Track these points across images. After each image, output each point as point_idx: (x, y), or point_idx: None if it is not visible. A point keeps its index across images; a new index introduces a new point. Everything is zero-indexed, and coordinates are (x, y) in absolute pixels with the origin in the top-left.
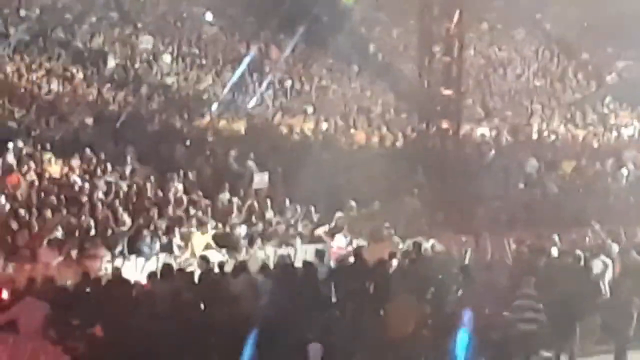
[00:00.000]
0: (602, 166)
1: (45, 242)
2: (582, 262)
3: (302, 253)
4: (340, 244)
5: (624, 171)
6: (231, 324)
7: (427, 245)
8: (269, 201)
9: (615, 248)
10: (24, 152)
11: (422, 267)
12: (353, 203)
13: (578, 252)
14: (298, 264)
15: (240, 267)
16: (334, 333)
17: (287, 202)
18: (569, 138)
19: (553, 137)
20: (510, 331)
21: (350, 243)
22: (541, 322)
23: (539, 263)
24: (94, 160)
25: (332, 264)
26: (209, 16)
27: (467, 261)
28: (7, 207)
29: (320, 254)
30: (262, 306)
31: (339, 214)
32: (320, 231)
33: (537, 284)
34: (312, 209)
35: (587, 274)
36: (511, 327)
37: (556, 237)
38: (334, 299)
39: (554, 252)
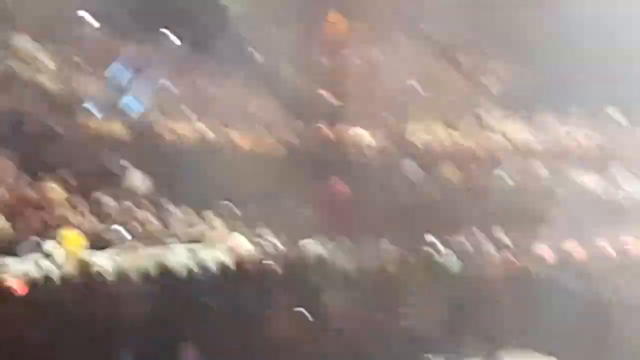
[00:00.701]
0: (481, 170)
1: None
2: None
3: (180, 255)
4: (241, 244)
5: (503, 174)
6: (109, 327)
7: (306, 248)
8: (147, 203)
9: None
10: None
11: (301, 271)
12: (232, 209)
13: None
14: (176, 266)
15: (117, 269)
16: (211, 336)
17: (167, 205)
18: (450, 143)
19: (431, 140)
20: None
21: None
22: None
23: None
24: None
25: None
26: (89, 18)
27: (348, 265)
28: None
29: (197, 256)
30: (139, 309)
31: (216, 217)
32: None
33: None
34: (191, 212)
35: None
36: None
37: (435, 240)
38: (212, 302)
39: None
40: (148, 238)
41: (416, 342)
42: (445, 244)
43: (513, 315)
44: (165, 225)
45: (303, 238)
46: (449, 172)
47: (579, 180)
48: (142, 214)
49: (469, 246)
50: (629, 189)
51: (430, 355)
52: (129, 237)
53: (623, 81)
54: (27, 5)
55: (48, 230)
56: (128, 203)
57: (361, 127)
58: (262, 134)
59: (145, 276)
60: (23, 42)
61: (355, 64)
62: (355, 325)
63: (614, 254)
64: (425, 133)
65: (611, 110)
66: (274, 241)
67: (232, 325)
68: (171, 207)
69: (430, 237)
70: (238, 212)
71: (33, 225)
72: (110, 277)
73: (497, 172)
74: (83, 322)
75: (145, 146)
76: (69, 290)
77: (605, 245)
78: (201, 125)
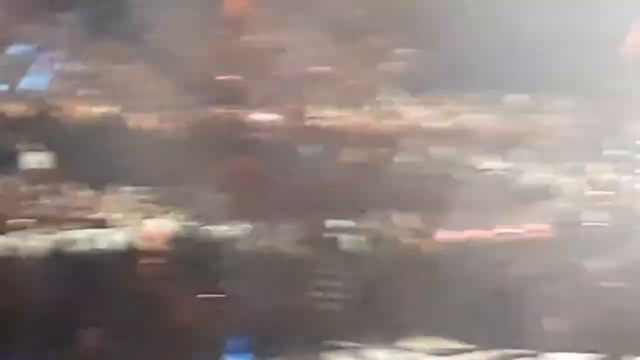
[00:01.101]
0: (386, 155)
1: None
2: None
3: (81, 239)
4: (171, 226)
5: (405, 158)
6: (7, 315)
7: (209, 231)
8: (47, 185)
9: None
10: None
11: (205, 254)
12: (132, 189)
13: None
14: (76, 250)
15: (13, 252)
16: (113, 322)
17: (68, 187)
18: (353, 126)
19: (338, 125)
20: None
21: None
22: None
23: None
24: None
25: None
26: None
27: (251, 249)
28: None
29: (98, 240)
30: (38, 293)
31: (118, 200)
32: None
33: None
34: (92, 194)
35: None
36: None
37: (340, 225)
38: (112, 287)
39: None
40: (47, 220)
41: (320, 327)
42: (347, 227)
43: (416, 301)
44: (65, 206)
45: (206, 221)
46: (350, 154)
47: (480, 164)
48: (41, 195)
49: (370, 229)
50: (530, 174)
51: (333, 342)
52: (28, 219)
53: (527, 66)
54: None
55: None
56: (27, 184)
57: (262, 110)
58: (162, 114)
59: (44, 259)
60: None
61: (256, 46)
62: (259, 310)
63: (514, 237)
64: (327, 116)
65: (510, 93)
66: (176, 224)
67: (134, 310)
68: (70, 189)
69: (331, 221)
70: (140, 194)
71: None
72: (7, 260)
73: (399, 154)
74: None
75: (46, 127)
76: None
77: (506, 229)
78: (102, 106)
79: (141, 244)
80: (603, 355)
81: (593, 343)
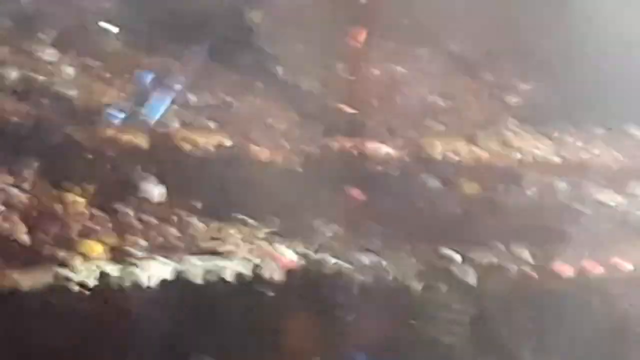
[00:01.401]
0: (504, 188)
1: None
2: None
3: (198, 267)
4: (291, 257)
5: (527, 192)
6: (125, 338)
7: (325, 261)
8: (166, 214)
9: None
10: None
11: (322, 285)
12: (251, 220)
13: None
14: (193, 277)
15: (137, 282)
16: (228, 348)
17: (186, 216)
18: (471, 159)
19: (456, 157)
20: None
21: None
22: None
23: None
24: None
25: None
26: (113, 29)
27: (367, 278)
28: None
29: (215, 268)
30: (158, 322)
31: (234, 229)
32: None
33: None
34: (210, 223)
35: None
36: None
37: (457, 257)
38: (231, 316)
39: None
40: (166, 249)
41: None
42: (464, 257)
43: (531, 332)
44: (184, 236)
45: (322, 251)
46: (469, 186)
47: (598, 196)
48: (160, 224)
49: (487, 260)
50: None
51: None
52: (147, 248)
53: None
54: (49, 15)
55: (67, 240)
56: (147, 214)
57: (381, 140)
58: (282, 146)
59: (163, 287)
60: (44, 50)
61: (377, 78)
62: (374, 339)
63: (632, 270)
64: (446, 147)
65: (630, 127)
66: (292, 253)
67: (249, 337)
68: (189, 218)
69: (447, 250)
70: (256, 224)
71: (52, 235)
72: (128, 289)
73: (517, 187)
74: (100, 332)
75: (165, 156)
76: (86, 300)
77: (623, 262)
78: (221, 136)
79: (263, 275)
80: None
81: None
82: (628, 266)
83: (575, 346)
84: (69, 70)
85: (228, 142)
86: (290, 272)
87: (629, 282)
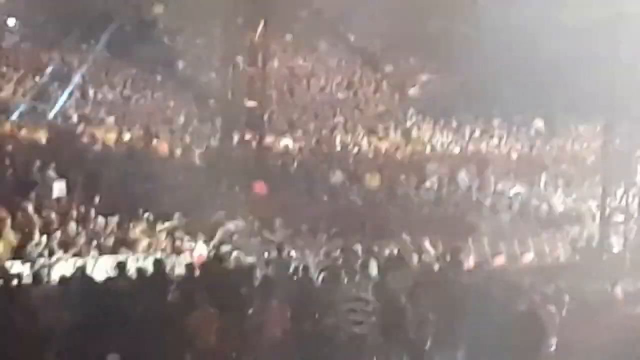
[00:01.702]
0: (405, 179)
1: None
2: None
3: (102, 263)
4: (202, 252)
5: (427, 184)
6: (29, 337)
7: (231, 255)
8: (69, 211)
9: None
10: None
11: (225, 278)
12: (152, 215)
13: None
14: (98, 275)
15: (39, 279)
16: (134, 345)
17: (89, 212)
18: (372, 150)
19: (356, 149)
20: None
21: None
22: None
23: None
24: None
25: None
26: (10, 22)
27: (269, 271)
28: None
29: (120, 264)
30: (60, 318)
31: (138, 224)
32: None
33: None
34: (114, 219)
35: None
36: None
37: (359, 249)
38: (134, 311)
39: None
40: (67, 245)
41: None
42: (366, 249)
43: (434, 322)
44: (85, 231)
45: (224, 244)
46: (370, 178)
47: (498, 187)
48: (60, 220)
49: (389, 251)
50: (552, 199)
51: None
52: (48, 244)
53: (554, 91)
54: None
55: None
56: (47, 209)
57: (281, 133)
58: (182, 140)
59: (64, 284)
60: None
61: (276, 71)
62: (278, 331)
63: (535, 260)
64: (346, 140)
65: (531, 118)
66: (195, 246)
67: (153, 332)
68: (90, 213)
69: (348, 242)
70: (157, 218)
71: None
72: (32, 286)
73: (418, 178)
74: (3, 330)
75: (64, 151)
76: None
77: (523, 251)
78: (120, 130)
79: (169, 270)
80: None
81: None
82: (528, 255)
83: (478, 335)
84: None
85: (127, 136)
86: (192, 266)
87: (530, 271)
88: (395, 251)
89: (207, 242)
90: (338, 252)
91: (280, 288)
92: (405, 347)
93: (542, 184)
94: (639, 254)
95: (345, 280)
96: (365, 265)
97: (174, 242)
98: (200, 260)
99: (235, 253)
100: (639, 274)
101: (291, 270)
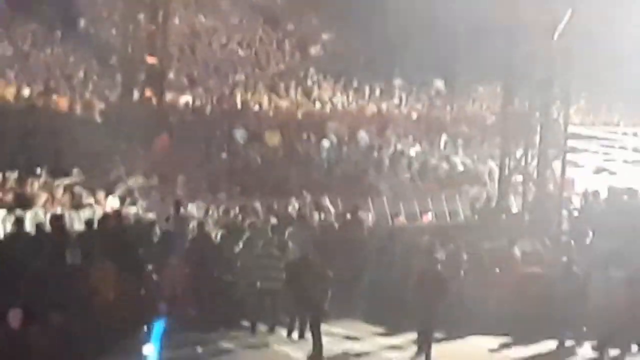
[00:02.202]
0: (305, 137)
1: None
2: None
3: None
4: (115, 205)
5: (325, 143)
6: None
7: (129, 210)
8: None
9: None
10: None
11: (123, 233)
12: (51, 171)
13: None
14: None
15: None
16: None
17: None
18: (272, 109)
19: (257, 107)
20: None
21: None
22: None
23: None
24: None
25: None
26: None
27: (169, 227)
28: None
29: (18, 219)
30: None
31: (37, 181)
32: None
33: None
34: (13, 175)
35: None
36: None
37: (258, 206)
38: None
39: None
40: None
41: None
42: (267, 207)
43: (340, 284)
44: None
45: (124, 200)
46: (271, 137)
47: (398, 146)
48: None
49: (290, 209)
50: (451, 159)
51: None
52: None
53: (454, 52)
54: None
55: None
56: None
57: (182, 90)
58: (81, 96)
59: None
60: None
61: (178, 28)
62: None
63: (434, 220)
64: (247, 97)
65: (431, 78)
66: (92, 202)
67: (52, 288)
68: None
69: (249, 200)
70: (57, 174)
71: None
72: None
73: (318, 137)
74: None
75: None
76: None
77: (426, 211)
78: (19, 86)
79: (56, 224)
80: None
81: (511, 326)
82: (428, 215)
83: (376, 292)
84: None
85: (27, 92)
86: (90, 222)
87: (429, 230)
88: (296, 209)
89: (106, 198)
90: (237, 209)
91: (180, 245)
92: (306, 304)
93: (441, 144)
94: (537, 215)
95: (245, 238)
96: (266, 223)
97: (73, 197)
98: (116, 215)
99: (134, 209)
100: (536, 235)
101: (190, 227)
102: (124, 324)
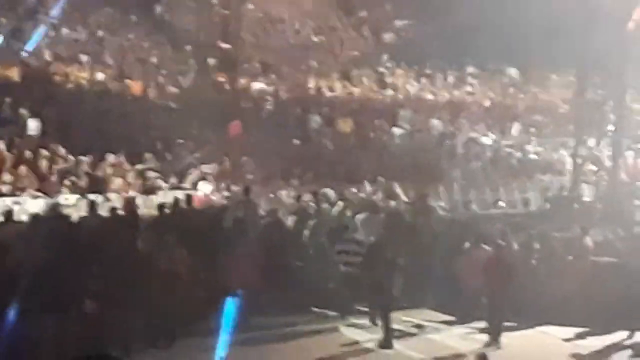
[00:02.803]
0: (378, 125)
1: None
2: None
3: (74, 202)
4: (206, 191)
5: (400, 130)
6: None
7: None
8: (43, 150)
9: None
10: None
11: (194, 219)
12: (125, 155)
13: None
14: (70, 214)
15: (8, 217)
16: (108, 285)
17: (60, 151)
18: (345, 95)
19: (330, 94)
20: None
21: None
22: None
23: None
24: None
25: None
26: None
27: (240, 213)
28: None
29: (90, 203)
30: (33, 256)
31: (108, 166)
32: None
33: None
34: (89, 159)
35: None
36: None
37: (331, 193)
38: (104, 251)
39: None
40: (39, 183)
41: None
42: (339, 194)
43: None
44: (59, 171)
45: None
46: (343, 123)
47: (470, 134)
48: (33, 159)
49: (361, 196)
50: (524, 147)
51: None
52: (20, 182)
53: (528, 40)
54: None
55: None
56: (20, 148)
57: (255, 76)
58: (156, 81)
59: (36, 222)
60: None
61: (251, 14)
62: (248, 273)
63: (506, 208)
64: (320, 84)
65: (504, 66)
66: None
67: (125, 272)
68: (64, 154)
69: (319, 186)
70: (131, 159)
71: None
72: (3, 223)
73: (391, 125)
74: None
75: (38, 90)
76: None
77: (498, 200)
78: (94, 70)
79: (140, 211)
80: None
81: (583, 316)
82: (500, 203)
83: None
84: None
85: (101, 76)
86: (168, 208)
87: (501, 218)
88: (367, 196)
89: (180, 183)
90: (309, 195)
91: (251, 230)
92: (376, 290)
93: (514, 132)
94: (609, 204)
95: (316, 223)
96: (337, 209)
97: (145, 182)
98: (209, 201)
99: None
100: (608, 224)
101: (262, 212)
102: (197, 308)
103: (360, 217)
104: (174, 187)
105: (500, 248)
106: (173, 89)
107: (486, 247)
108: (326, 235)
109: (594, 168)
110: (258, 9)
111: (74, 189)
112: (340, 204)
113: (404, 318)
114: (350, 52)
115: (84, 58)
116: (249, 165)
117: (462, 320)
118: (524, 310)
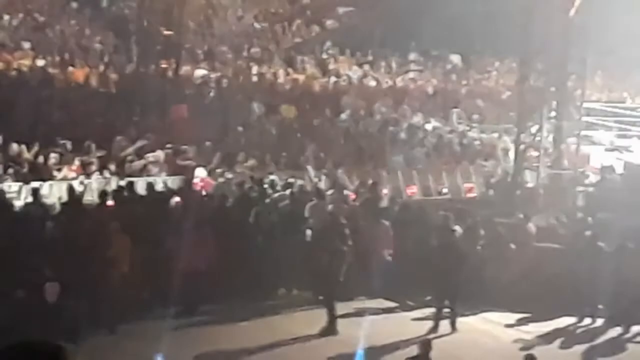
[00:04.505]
0: (321, 111)
1: None
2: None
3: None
4: (202, 175)
5: (343, 116)
6: None
7: (140, 184)
8: None
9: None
10: None
11: (137, 206)
12: (69, 143)
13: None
14: (14, 203)
15: None
16: (70, 272)
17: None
18: (289, 82)
19: (272, 80)
20: None
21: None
22: None
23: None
24: None
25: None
26: None
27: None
28: None
29: (36, 193)
30: None
31: (53, 154)
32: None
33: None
34: (30, 147)
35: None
36: None
37: (275, 178)
38: (51, 236)
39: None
40: None
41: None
42: (281, 179)
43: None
44: (3, 159)
45: (140, 173)
46: (287, 110)
47: (413, 120)
48: None
49: (302, 183)
50: (466, 133)
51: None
52: None
53: (471, 27)
54: None
55: None
56: None
57: (198, 63)
58: (97, 68)
59: None
60: None
61: (199, 4)
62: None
63: (449, 195)
64: (263, 70)
65: (446, 53)
66: (109, 175)
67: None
68: (6, 143)
69: (262, 173)
70: (74, 147)
71: None
72: None
73: (334, 111)
74: None
75: None
76: None
77: (441, 186)
78: (35, 57)
79: (82, 198)
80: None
81: (527, 302)
82: (443, 189)
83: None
84: None
85: (42, 63)
86: (110, 195)
87: (444, 204)
88: (306, 182)
89: (117, 173)
90: (252, 181)
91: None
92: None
93: (457, 119)
94: (552, 190)
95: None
96: (282, 196)
97: (86, 169)
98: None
99: (151, 179)
100: (551, 210)
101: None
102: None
103: (309, 204)
104: (115, 174)
105: (447, 233)
106: (115, 76)
107: (433, 232)
108: (270, 224)
109: (537, 154)
110: None
111: (17, 177)
112: (287, 191)
113: (351, 305)
114: (293, 38)
115: (25, 44)
116: (191, 151)
117: (408, 306)
118: (468, 296)
